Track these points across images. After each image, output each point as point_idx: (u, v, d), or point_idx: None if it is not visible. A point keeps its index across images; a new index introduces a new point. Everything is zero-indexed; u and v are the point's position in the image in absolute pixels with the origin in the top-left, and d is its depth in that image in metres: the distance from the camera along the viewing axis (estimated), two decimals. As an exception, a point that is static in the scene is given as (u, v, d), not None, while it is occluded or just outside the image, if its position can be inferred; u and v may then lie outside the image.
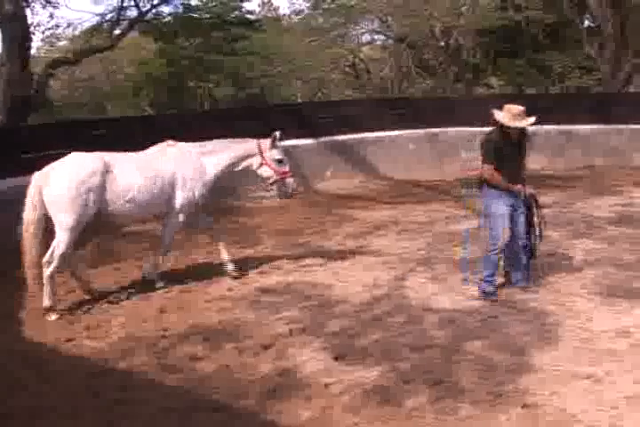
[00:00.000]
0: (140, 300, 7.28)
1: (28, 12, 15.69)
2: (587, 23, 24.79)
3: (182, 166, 7.58)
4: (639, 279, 7.41)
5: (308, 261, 8.65)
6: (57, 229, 6.91)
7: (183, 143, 7.80)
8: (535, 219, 7.25)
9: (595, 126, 17.07)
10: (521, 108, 6.88)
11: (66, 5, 25.96)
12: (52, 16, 19.50)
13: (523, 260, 7.26)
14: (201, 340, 6.10)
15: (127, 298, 7.36)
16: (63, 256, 6.91)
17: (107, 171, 7.05)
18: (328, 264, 8.50)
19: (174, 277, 8.01)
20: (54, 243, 6.90)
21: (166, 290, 7.61)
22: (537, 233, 7.29)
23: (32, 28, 16.43)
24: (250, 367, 5.52)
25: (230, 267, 7.96)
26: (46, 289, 6.87)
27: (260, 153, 7.83)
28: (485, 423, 4.51)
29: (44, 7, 18.12)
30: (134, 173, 7.23)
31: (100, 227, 7.67)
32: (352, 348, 5.84)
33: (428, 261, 8.50)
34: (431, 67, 28.74)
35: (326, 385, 5.14)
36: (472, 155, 16.73)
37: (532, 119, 6.89)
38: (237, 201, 12.95)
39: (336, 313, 6.72)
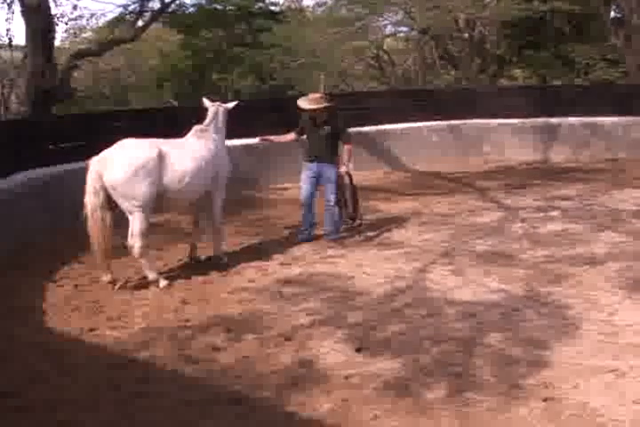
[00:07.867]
0: (162, 291, 7.32)
1: (51, 3, 15.68)
2: (612, 14, 24.43)
3: (217, 146, 8.14)
4: (664, 273, 7.33)
5: (329, 252, 8.67)
6: (127, 213, 7.27)
7: (205, 126, 8.25)
8: (347, 191, 9.36)
9: (619, 119, 16.83)
10: (317, 95, 8.97)
11: (89, -4, 25.97)
12: (75, 7, 19.55)
13: (334, 216, 9.08)
14: (222, 331, 6.11)
15: (149, 289, 7.40)
16: (143, 234, 7.28)
17: (162, 157, 7.33)
18: (349, 256, 8.51)
19: (196, 268, 8.05)
20: (130, 227, 7.27)
21: (188, 281, 7.65)
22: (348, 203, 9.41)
23: (56, 20, 16.42)
24: (270, 359, 5.52)
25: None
26: (145, 266, 7.47)
27: (226, 111, 8.53)
28: (506, 417, 4.48)
29: (67, -2, 18.18)
30: (185, 159, 7.59)
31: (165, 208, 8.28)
32: (373, 340, 5.84)
33: (449, 253, 8.47)
34: (455, 58, 28.55)
35: (347, 377, 5.13)
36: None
37: (324, 104, 8.74)
38: (259, 193, 13.00)
39: (357, 305, 6.72)
